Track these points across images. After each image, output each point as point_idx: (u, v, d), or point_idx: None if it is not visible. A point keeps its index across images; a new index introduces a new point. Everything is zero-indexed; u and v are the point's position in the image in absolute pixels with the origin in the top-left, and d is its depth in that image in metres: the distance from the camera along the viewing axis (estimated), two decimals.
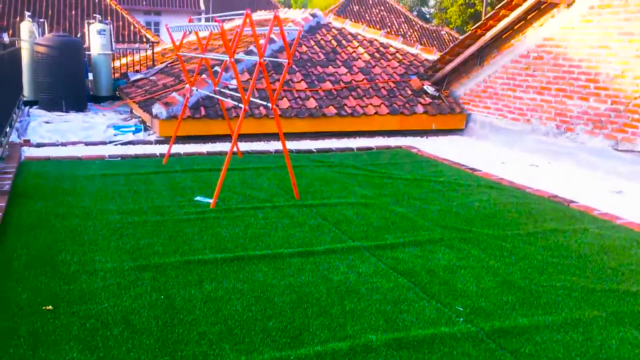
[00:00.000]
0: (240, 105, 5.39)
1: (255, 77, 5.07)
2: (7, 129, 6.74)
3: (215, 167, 6.25)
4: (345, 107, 8.61)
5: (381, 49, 10.54)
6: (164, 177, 5.81)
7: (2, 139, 6.10)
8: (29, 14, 9.88)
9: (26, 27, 9.90)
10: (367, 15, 30.82)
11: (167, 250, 3.84)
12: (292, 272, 3.59)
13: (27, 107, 9.81)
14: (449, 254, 4.03)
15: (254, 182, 5.79)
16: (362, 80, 9.28)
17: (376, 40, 10.81)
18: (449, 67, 9.33)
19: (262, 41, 7.88)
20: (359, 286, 3.42)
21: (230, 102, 7.40)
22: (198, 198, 5.08)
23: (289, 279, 3.47)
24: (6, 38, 6.71)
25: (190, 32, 6.46)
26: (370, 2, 31.99)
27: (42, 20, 10.56)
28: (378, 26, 29.14)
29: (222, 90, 7.68)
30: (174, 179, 5.75)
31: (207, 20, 9.33)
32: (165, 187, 5.43)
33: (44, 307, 2.95)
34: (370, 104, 8.81)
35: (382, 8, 31.94)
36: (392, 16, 31.61)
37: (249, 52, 8.92)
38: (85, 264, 3.54)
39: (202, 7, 32.22)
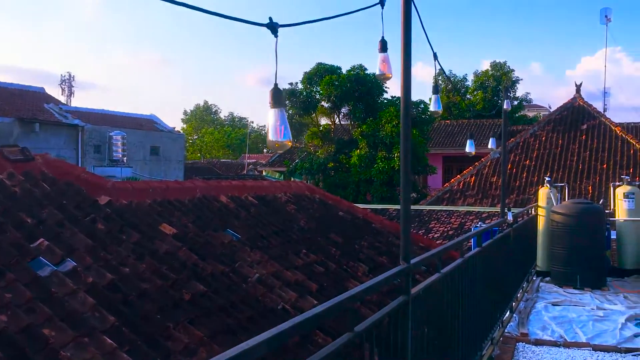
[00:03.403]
0: None
1: None
2: (506, 316, 5.94)
3: None
4: None
5: None
6: None
7: (495, 332, 5.27)
8: (548, 179, 9.34)
9: (544, 193, 9.33)
10: None
11: None
12: None
13: (538, 279, 8.98)
14: None
15: None
16: None
17: None
18: None
19: None
20: None
21: None
22: None
23: None
24: (511, 216, 6.14)
25: None
26: None
27: (562, 184, 9.90)
28: None
29: None
30: None
31: None
32: None
33: None
34: None
35: None
36: None
37: None
38: None
39: None
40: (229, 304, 4.38)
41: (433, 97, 3.99)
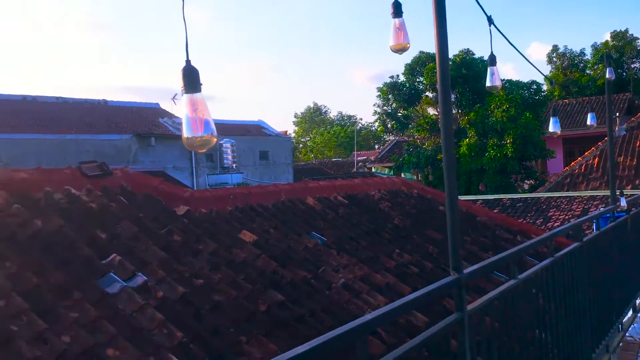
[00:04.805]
0: None
1: None
2: (627, 317, 5.19)
3: None
4: None
5: None
6: None
7: (612, 337, 4.59)
8: None
9: None
10: None
11: None
12: None
13: None
14: None
15: None
16: None
17: None
18: None
19: None
20: None
21: None
22: None
23: None
24: (624, 202, 5.38)
25: None
26: None
27: None
28: None
29: None
30: None
31: None
32: None
33: None
34: None
35: None
36: None
37: None
38: None
39: None
40: (308, 313, 4.15)
41: (489, 69, 3.48)
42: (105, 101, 22.84)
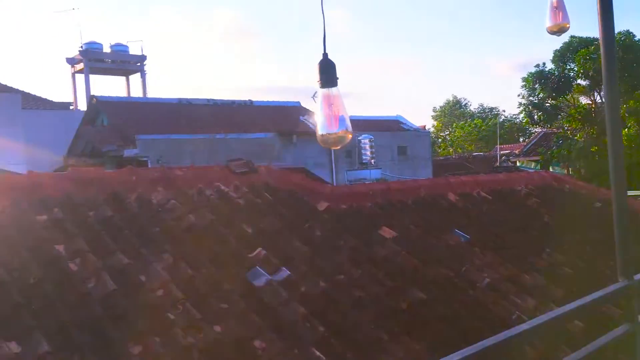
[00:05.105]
0: None
1: None
2: None
3: None
4: None
5: None
6: None
7: None
8: None
9: None
10: None
11: None
12: None
13: None
14: None
15: None
16: None
17: None
18: None
19: None
20: None
21: None
22: None
23: None
24: None
25: None
26: None
27: None
28: None
29: None
30: None
31: None
32: None
33: None
34: None
35: None
36: None
37: None
38: None
39: None
40: (451, 313, 4.01)
41: None
42: (250, 102, 24.00)
